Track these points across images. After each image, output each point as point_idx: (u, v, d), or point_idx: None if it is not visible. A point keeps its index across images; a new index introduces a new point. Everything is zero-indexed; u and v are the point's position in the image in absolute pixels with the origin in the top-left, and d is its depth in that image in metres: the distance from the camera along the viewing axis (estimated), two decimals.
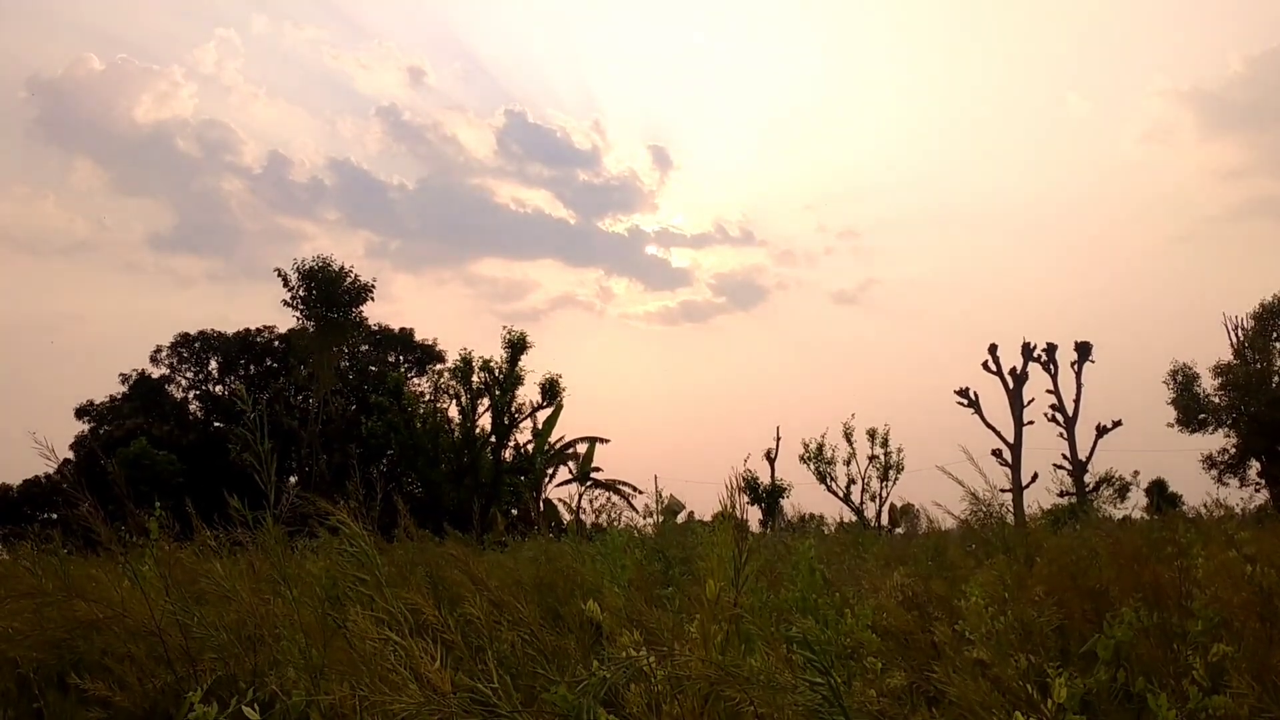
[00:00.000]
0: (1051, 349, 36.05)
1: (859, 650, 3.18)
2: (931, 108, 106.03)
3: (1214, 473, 37.98)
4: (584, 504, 41.25)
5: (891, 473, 35.88)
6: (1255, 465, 37.19)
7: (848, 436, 36.31)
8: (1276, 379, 35.95)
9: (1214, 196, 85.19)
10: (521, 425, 34.25)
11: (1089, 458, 35.04)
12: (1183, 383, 38.02)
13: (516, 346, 32.97)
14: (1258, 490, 36.61)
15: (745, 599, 2.38)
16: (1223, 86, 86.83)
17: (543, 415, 35.19)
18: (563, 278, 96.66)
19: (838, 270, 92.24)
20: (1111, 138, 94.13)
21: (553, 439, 38.33)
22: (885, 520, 35.78)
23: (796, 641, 2.36)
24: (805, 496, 50.52)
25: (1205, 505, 7.57)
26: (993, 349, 35.95)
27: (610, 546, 4.63)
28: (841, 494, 36.10)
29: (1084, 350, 35.85)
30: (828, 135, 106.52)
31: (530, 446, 35.44)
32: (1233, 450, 37.54)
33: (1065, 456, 35.45)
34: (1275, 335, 37.60)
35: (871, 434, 36.12)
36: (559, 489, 42.97)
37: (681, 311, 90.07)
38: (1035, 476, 34.54)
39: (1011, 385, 35.72)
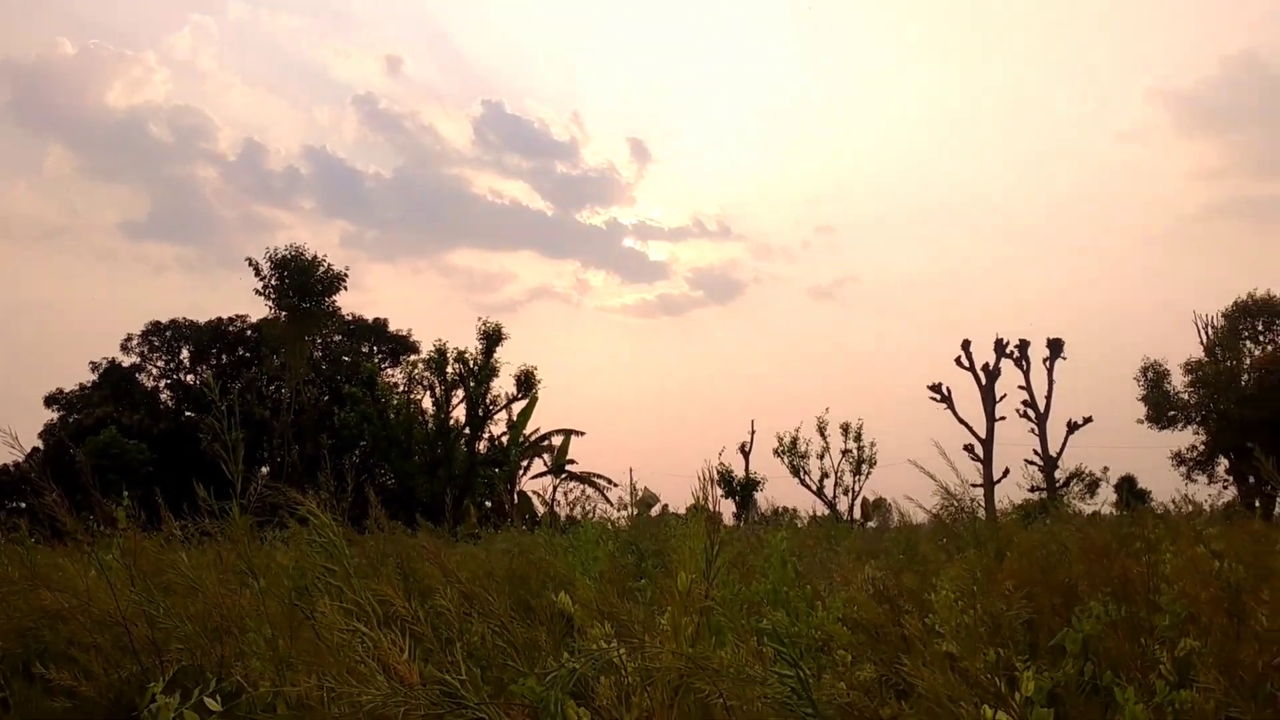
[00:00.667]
0: (1024, 345, 36.36)
1: (830, 643, 3.20)
2: (908, 106, 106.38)
3: (1183, 469, 38.52)
4: (558, 497, 41.23)
5: (864, 467, 36.25)
6: (1224, 462, 37.71)
7: (821, 431, 36.61)
8: (1246, 377, 36.40)
9: (1190, 196, 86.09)
10: (496, 417, 34.28)
11: (1060, 453, 35.42)
12: (1153, 380, 38.45)
13: (492, 338, 32.92)
14: (1226, 487, 37.17)
15: (717, 591, 2.37)
16: (1200, 87, 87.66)
17: (518, 407, 35.23)
18: (539, 269, 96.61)
19: (814, 265, 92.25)
20: (1089, 137, 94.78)
21: (527, 431, 38.31)
22: (858, 514, 36.07)
23: (767, 634, 2.36)
24: (779, 490, 50.83)
25: (1174, 501, 7.66)
26: (966, 345, 36.23)
27: (583, 539, 4.62)
28: (815, 487, 36.39)
29: (1056, 347, 36.18)
30: (806, 132, 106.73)
31: (505, 438, 35.40)
32: (1202, 447, 38.04)
33: (1036, 452, 35.80)
34: (1246, 334, 38.09)
35: (845, 428, 36.45)
36: (533, 481, 42.98)
37: (659, 305, 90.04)
38: (1006, 471, 34.92)
39: (984, 381, 36.02)
